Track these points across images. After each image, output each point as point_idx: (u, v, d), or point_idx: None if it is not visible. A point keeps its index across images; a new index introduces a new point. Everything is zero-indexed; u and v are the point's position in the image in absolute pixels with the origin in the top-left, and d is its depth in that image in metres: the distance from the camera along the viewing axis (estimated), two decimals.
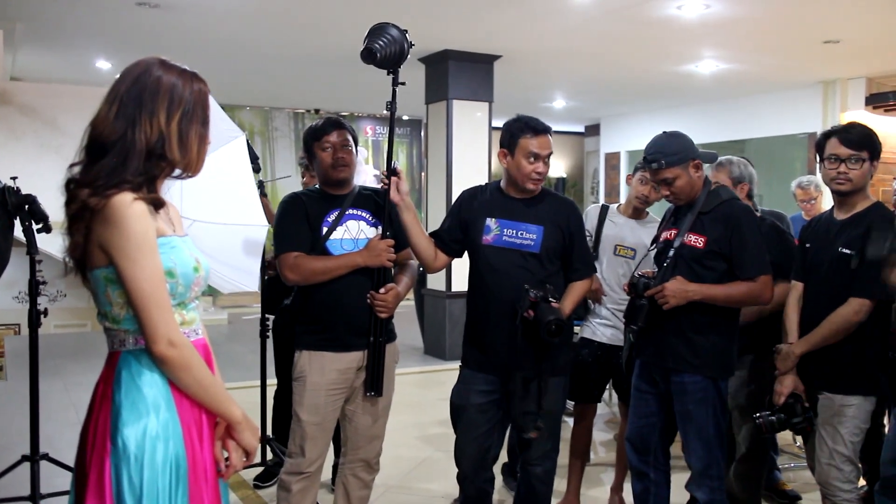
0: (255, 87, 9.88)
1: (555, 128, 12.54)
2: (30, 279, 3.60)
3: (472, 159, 7.76)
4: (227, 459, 1.86)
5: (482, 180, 7.66)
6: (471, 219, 3.07)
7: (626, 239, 3.78)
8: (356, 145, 3.12)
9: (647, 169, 3.11)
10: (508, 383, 2.98)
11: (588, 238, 3.90)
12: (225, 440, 1.84)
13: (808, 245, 3.09)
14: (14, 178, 3.48)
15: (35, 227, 3.49)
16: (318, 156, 3.05)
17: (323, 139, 3.04)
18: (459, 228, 3.11)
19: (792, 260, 3.21)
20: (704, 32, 6.66)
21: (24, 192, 3.47)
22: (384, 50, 2.77)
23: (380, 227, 3.01)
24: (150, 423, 1.68)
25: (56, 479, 3.79)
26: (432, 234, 3.15)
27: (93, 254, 1.70)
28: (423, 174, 11.56)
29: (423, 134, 12.25)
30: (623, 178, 11.71)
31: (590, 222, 3.92)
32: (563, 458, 4.04)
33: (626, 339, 3.22)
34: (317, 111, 11.87)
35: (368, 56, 2.78)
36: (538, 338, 2.79)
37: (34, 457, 3.66)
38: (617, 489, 3.97)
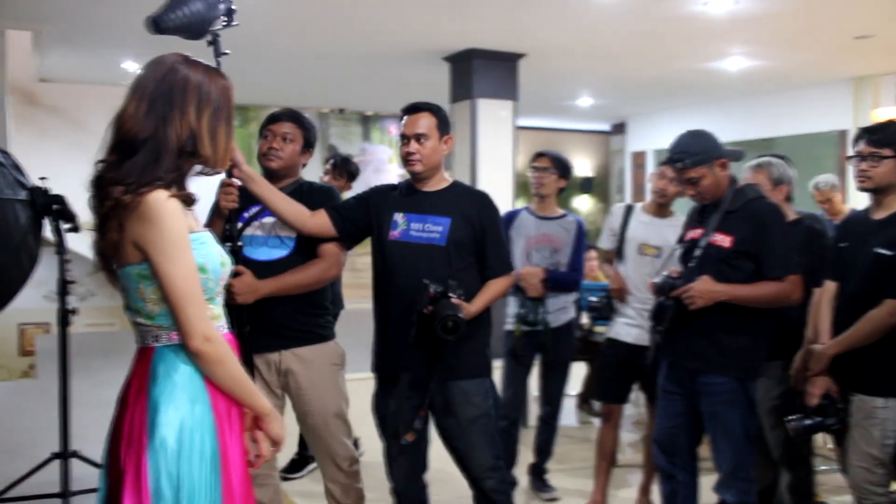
0: (280, 86, 9.93)
1: (580, 126, 12.35)
2: (59, 278, 3.64)
3: (497, 158, 7.73)
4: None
5: (507, 179, 7.64)
6: (379, 212, 2.92)
7: (650, 238, 3.75)
8: (311, 144, 3.06)
9: (672, 168, 3.08)
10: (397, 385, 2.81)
11: (612, 237, 3.89)
12: (252, 431, 1.89)
13: (843, 245, 3.04)
14: (43, 179, 3.52)
15: (64, 226, 3.52)
16: (261, 143, 3.00)
17: (269, 126, 2.99)
18: (363, 211, 2.92)
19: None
20: (733, 28, 6.59)
21: (52, 192, 3.50)
22: (173, 21, 2.45)
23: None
24: (187, 417, 1.71)
25: (85, 477, 3.82)
26: (328, 208, 2.93)
27: (126, 251, 1.72)
28: (447, 173, 11.55)
29: None
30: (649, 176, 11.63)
31: (614, 221, 3.90)
32: (591, 458, 4.03)
33: (653, 340, 3.19)
34: (341, 111, 11.91)
35: (154, 27, 2.47)
36: (434, 335, 2.62)
37: (64, 454, 3.70)
38: (645, 490, 3.95)
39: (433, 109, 2.90)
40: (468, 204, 2.89)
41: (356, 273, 11.64)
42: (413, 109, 2.89)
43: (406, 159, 2.88)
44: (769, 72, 8.44)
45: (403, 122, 2.87)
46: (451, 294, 2.68)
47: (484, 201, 2.94)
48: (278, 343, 2.92)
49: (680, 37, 6.93)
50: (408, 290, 2.77)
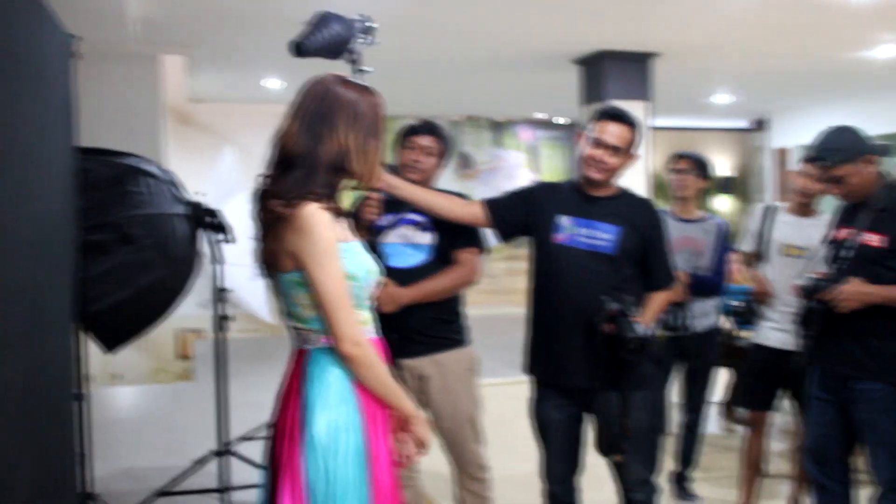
0: (411, 96, 10.14)
1: (718, 124, 11.95)
2: (214, 287, 3.86)
3: None
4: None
5: (640, 182, 7.50)
6: (542, 213, 2.86)
7: (794, 239, 3.61)
8: (444, 155, 3.09)
9: (815, 166, 2.96)
10: (589, 401, 2.82)
11: (753, 239, 3.77)
12: (399, 432, 1.96)
13: None
14: (198, 193, 3.75)
15: (218, 238, 3.74)
16: (401, 154, 3.04)
17: (411, 138, 3.05)
18: (521, 209, 2.90)
19: None
20: (881, 14, 6.22)
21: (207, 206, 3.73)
22: (314, 44, 2.47)
23: (432, 233, 2.96)
24: (337, 417, 1.81)
25: (239, 474, 4.05)
26: (485, 200, 2.94)
27: (282, 259, 1.84)
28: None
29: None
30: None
31: (753, 223, 3.78)
32: (736, 468, 3.91)
33: (800, 344, 3.07)
34: (473, 118, 12.03)
35: (297, 51, 2.48)
36: (617, 354, 2.62)
37: (222, 452, 3.92)
38: (794, 502, 3.79)
39: (635, 125, 2.83)
40: (637, 213, 2.84)
41: (492, 279, 11.74)
42: (616, 118, 2.80)
43: (589, 163, 2.80)
44: None
45: (601, 125, 2.79)
46: (629, 313, 2.65)
47: (651, 211, 2.91)
48: (416, 349, 2.98)
49: (823, 26, 6.61)
50: (575, 298, 2.75)
